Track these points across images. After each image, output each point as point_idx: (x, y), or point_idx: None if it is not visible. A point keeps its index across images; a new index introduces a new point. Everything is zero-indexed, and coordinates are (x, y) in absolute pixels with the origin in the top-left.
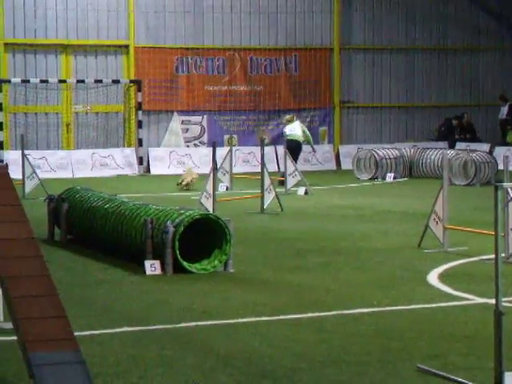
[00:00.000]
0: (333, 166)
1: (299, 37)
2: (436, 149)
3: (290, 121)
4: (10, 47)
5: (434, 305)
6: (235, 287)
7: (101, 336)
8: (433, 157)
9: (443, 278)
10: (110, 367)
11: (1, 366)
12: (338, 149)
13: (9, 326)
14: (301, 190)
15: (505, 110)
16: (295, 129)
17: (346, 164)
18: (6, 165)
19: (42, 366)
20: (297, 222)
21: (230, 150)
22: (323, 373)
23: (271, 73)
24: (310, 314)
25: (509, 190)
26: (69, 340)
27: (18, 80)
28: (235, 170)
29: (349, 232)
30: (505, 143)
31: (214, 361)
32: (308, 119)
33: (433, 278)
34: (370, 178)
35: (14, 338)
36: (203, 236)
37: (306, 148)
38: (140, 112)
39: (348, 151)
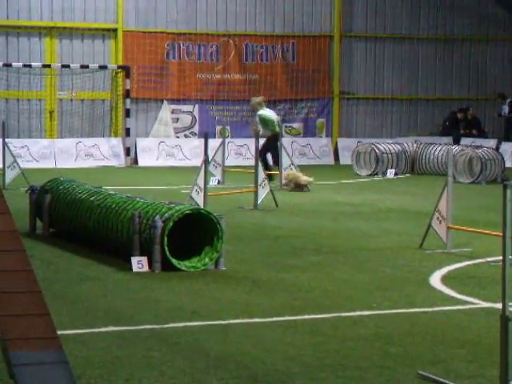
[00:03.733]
0: (331, 160)
1: (297, 23)
2: (440, 144)
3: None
4: None
5: (436, 308)
6: (227, 286)
7: (85, 335)
8: (436, 152)
9: (446, 280)
10: (94, 368)
11: None
12: (336, 142)
13: None
14: None
15: (506, 108)
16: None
17: (345, 158)
18: None
19: (24, 366)
20: (292, 218)
21: (223, 142)
22: (318, 377)
23: (267, 61)
24: (305, 316)
25: None
26: (52, 339)
27: None
28: (227, 162)
29: (347, 230)
30: (509, 139)
31: (204, 363)
32: (305, 110)
33: (435, 280)
34: (370, 174)
35: None
36: (193, 232)
37: (302, 141)
38: (128, 100)
39: (347, 145)
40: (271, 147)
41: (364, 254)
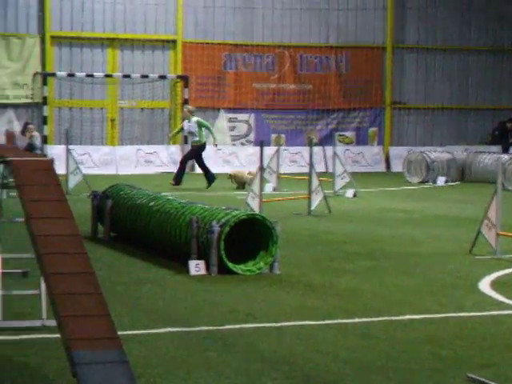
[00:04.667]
0: (382, 168)
1: (351, 35)
2: (489, 153)
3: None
4: (57, 40)
5: (485, 313)
6: (281, 290)
7: (144, 336)
8: (486, 161)
9: (495, 285)
10: (153, 368)
11: (43, 364)
12: (387, 150)
13: (52, 323)
14: (349, 192)
15: None
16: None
17: (396, 166)
18: (52, 159)
19: (85, 365)
20: (345, 224)
21: (278, 150)
22: (369, 379)
23: (321, 71)
24: (357, 319)
25: None
26: (112, 339)
27: (63, 74)
28: (282, 170)
29: (398, 236)
30: None
31: (258, 364)
32: (358, 120)
33: (485, 285)
34: (421, 182)
35: (57, 335)
36: (249, 237)
37: (355, 149)
38: None
39: (398, 153)
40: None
41: (414, 259)
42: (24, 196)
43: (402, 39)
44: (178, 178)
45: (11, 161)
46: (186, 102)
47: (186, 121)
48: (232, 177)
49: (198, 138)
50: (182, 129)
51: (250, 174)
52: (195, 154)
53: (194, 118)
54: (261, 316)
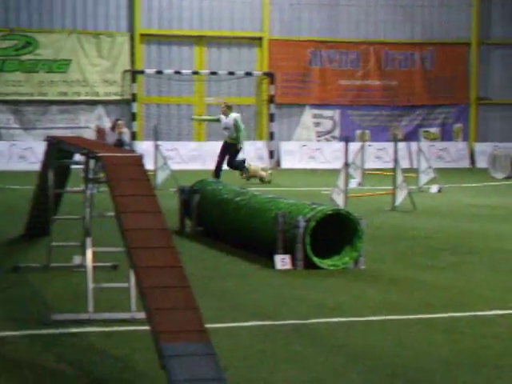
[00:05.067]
0: (467, 163)
1: (436, 31)
2: None
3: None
4: (145, 38)
5: None
6: (366, 285)
7: (230, 329)
8: None
9: None
10: (239, 361)
11: (132, 356)
12: (472, 146)
13: (141, 315)
14: (434, 188)
15: None
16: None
17: (481, 162)
18: (142, 155)
19: (174, 357)
20: (429, 220)
21: (362, 146)
22: (456, 375)
23: (406, 67)
24: (442, 314)
25: None
26: (200, 332)
27: (152, 71)
28: (367, 165)
29: (483, 232)
30: None
31: (343, 358)
32: (443, 116)
33: None
34: (506, 177)
35: (146, 327)
36: (334, 232)
37: (440, 145)
38: (272, 105)
39: (483, 149)
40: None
41: (500, 255)
42: (114, 191)
43: (487, 35)
44: (218, 171)
45: (101, 156)
46: (271, 98)
47: (223, 116)
48: (246, 171)
49: (234, 135)
50: (217, 120)
51: (263, 170)
52: (232, 150)
53: (233, 115)
54: (346, 310)
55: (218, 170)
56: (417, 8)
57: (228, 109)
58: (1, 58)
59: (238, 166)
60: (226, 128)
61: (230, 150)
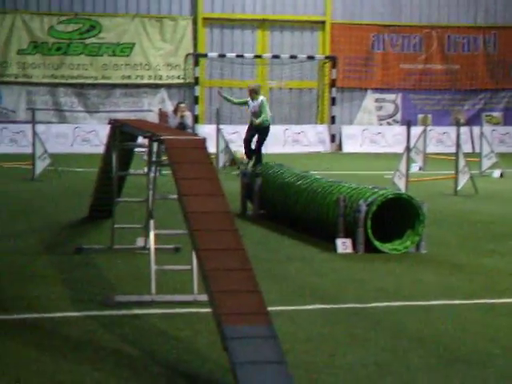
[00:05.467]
0: None
1: (499, 15)
2: None
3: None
4: (208, 22)
5: None
6: (427, 269)
7: (292, 312)
8: None
9: None
10: (300, 343)
11: (195, 338)
12: None
13: (203, 298)
14: (496, 173)
15: None
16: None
17: None
18: (205, 138)
19: (236, 340)
20: (492, 204)
21: (424, 130)
22: None
23: (469, 51)
24: (505, 300)
25: None
26: (262, 314)
27: (214, 54)
28: (429, 150)
29: None
30: None
31: (405, 342)
32: (505, 100)
33: None
34: None
35: (208, 310)
36: (395, 216)
37: (502, 130)
38: (334, 89)
39: None
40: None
41: None
42: (177, 174)
43: None
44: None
45: (165, 139)
46: (333, 82)
47: (250, 100)
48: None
49: (260, 119)
50: (244, 103)
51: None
52: (262, 133)
53: (260, 97)
54: (407, 294)
55: (249, 152)
56: None
57: (254, 93)
58: (66, 41)
59: (258, 156)
60: (254, 112)
61: (261, 133)
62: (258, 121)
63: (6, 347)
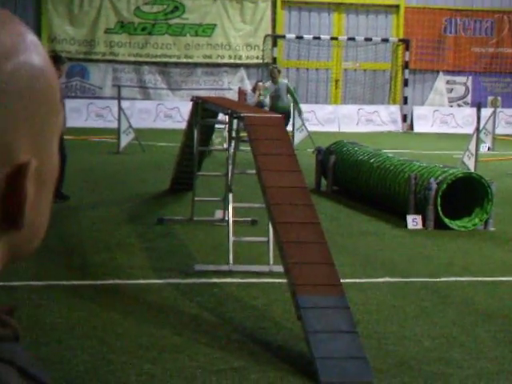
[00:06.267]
0: None
1: None
2: None
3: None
4: (287, 4)
5: None
6: (495, 246)
7: (363, 284)
8: None
9: None
10: (371, 315)
11: (270, 306)
12: None
13: (278, 268)
14: None
15: None
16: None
17: None
18: (283, 116)
19: (310, 309)
20: None
21: (494, 112)
22: None
23: None
24: None
25: None
26: (335, 286)
27: (292, 36)
28: (498, 131)
29: None
30: None
31: (473, 316)
32: None
33: None
34: None
35: (283, 280)
36: (465, 194)
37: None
38: (406, 71)
39: None
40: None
41: None
42: (256, 150)
43: None
44: None
45: (245, 116)
46: (406, 64)
47: (271, 82)
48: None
49: (284, 103)
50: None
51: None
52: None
53: (283, 81)
54: (475, 270)
55: None
56: None
57: (278, 73)
58: (151, 21)
59: None
60: (273, 96)
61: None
62: (283, 104)
63: (92, 311)
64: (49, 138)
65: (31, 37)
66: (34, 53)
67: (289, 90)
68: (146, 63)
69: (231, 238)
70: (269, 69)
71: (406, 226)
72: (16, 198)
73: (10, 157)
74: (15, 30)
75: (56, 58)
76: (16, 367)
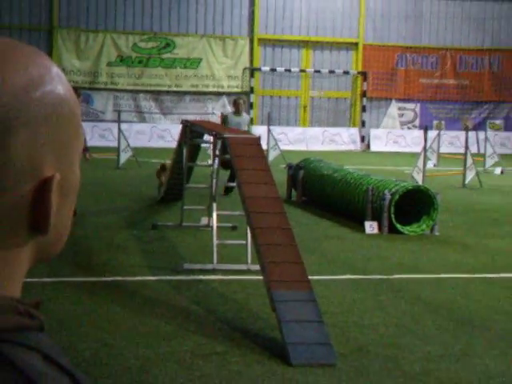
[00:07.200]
0: None
1: (503, 40)
2: None
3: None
4: (262, 41)
5: None
6: (440, 248)
7: (327, 281)
8: None
9: None
10: (334, 307)
11: (248, 300)
12: None
13: (255, 267)
14: (497, 170)
15: None
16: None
17: None
18: (259, 137)
19: (282, 302)
20: (493, 196)
21: (439, 134)
22: None
23: (477, 69)
24: (503, 275)
25: None
26: (304, 282)
27: (267, 69)
28: (442, 150)
29: None
30: None
31: (421, 308)
32: (506, 110)
33: None
34: None
35: (260, 277)
36: (414, 204)
37: (503, 135)
38: (364, 98)
39: None
40: None
41: None
42: (236, 165)
43: None
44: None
45: (227, 137)
46: (364, 93)
47: (232, 113)
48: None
49: None
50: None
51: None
52: None
53: (247, 116)
54: (423, 268)
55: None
56: (487, 20)
57: (240, 106)
58: (146, 56)
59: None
60: (237, 128)
61: None
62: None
63: (96, 303)
64: (71, 156)
65: (56, 69)
66: (59, 83)
67: (248, 126)
68: (142, 91)
69: (215, 241)
70: (233, 100)
71: (364, 230)
72: (42, 207)
73: (36, 172)
74: (42, 63)
75: (75, 90)
76: (41, 354)
